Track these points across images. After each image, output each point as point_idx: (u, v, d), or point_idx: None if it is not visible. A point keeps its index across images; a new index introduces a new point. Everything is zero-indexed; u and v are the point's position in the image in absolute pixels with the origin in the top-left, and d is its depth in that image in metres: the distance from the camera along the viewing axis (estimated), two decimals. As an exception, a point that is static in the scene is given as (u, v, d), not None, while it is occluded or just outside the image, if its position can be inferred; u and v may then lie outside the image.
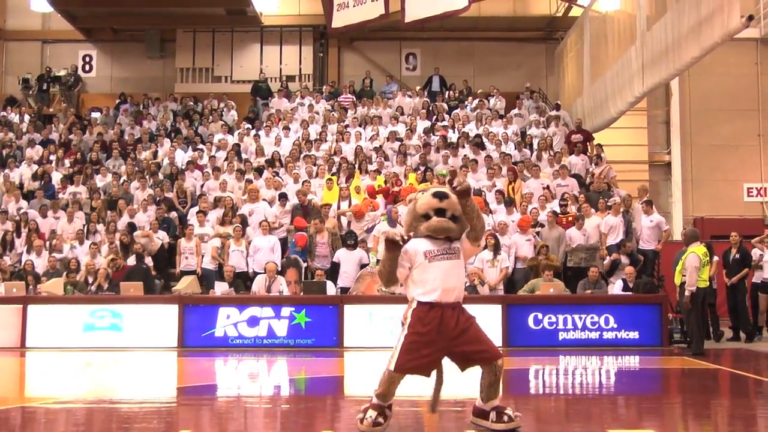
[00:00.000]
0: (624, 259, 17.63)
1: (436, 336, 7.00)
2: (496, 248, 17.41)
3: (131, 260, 18.29)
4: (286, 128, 24.80)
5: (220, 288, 17.01)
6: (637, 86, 20.57)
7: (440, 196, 7.02)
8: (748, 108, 25.88)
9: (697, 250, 14.44)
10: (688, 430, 8.23)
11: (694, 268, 14.29)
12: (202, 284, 17.68)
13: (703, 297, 14.75)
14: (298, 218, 18.96)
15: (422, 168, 21.26)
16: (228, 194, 20.32)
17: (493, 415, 7.14)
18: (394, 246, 6.99)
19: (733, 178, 25.70)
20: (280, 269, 17.41)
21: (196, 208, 19.80)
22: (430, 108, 26.33)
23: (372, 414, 7.08)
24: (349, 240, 17.97)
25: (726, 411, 9.33)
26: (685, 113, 26.38)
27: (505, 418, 7.11)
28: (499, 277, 17.35)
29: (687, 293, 14.47)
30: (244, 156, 23.32)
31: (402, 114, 25.77)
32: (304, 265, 18.10)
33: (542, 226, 18.67)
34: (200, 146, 24.28)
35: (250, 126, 25.56)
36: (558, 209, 19.18)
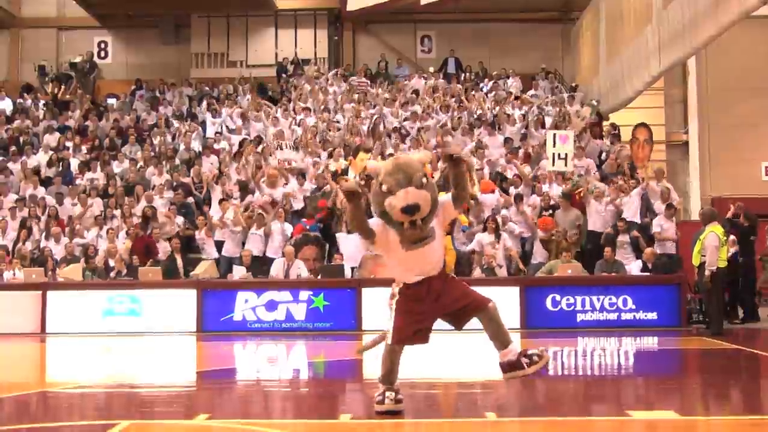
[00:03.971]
0: (622, 237, 17.47)
1: (425, 297, 7.16)
2: (497, 231, 17.42)
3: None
4: (306, 109, 24.75)
5: (239, 272, 17.06)
6: (654, 66, 20.39)
7: (410, 211, 6.76)
8: (766, 86, 25.63)
9: (716, 229, 14.39)
10: (708, 411, 8.21)
11: (714, 247, 14.26)
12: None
13: (722, 277, 14.68)
14: (322, 201, 18.93)
15: (437, 150, 21.17)
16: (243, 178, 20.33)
17: (524, 361, 7.17)
18: (353, 196, 6.96)
19: (751, 157, 25.46)
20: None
21: (217, 195, 19.77)
22: (446, 90, 26.23)
23: (390, 393, 7.23)
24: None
25: (746, 391, 9.31)
26: (702, 92, 26.13)
27: (536, 358, 7.16)
28: (503, 256, 17.30)
29: (707, 273, 14.41)
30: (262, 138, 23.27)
31: (417, 96, 25.69)
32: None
33: (556, 208, 18.52)
34: (216, 131, 24.25)
35: (270, 108, 25.47)
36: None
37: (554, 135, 19.33)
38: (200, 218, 18.93)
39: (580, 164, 20.33)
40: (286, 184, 19.83)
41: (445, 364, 11.69)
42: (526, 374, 7.19)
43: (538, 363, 7.16)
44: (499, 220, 17.84)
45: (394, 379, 7.34)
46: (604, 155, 21.61)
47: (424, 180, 6.80)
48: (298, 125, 23.56)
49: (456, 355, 12.73)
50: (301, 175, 20.02)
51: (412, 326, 7.25)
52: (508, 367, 7.25)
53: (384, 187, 6.83)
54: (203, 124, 25.03)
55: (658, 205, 17.97)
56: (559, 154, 19.08)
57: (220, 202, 19.17)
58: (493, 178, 19.99)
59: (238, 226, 18.41)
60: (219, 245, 18.62)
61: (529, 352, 7.22)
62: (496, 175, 20.30)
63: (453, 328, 7.48)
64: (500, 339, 7.28)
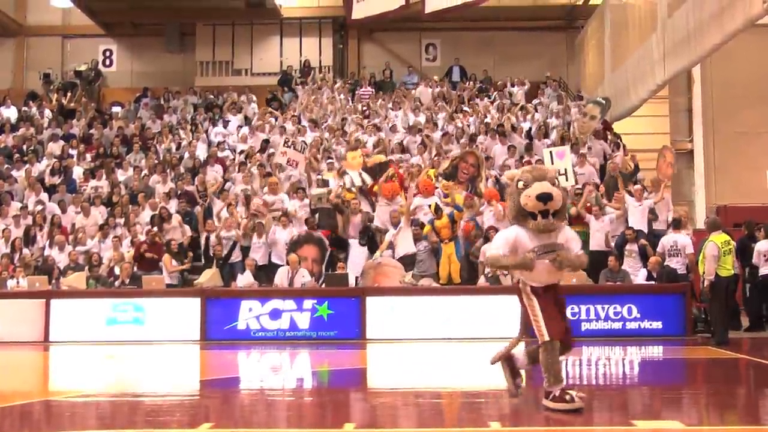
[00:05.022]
0: (630, 245, 17.33)
1: (553, 300, 7.84)
2: None
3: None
4: (312, 121, 24.70)
5: (243, 281, 17.03)
6: (659, 74, 20.38)
7: (545, 199, 7.55)
8: (770, 95, 25.61)
9: (717, 238, 14.28)
10: (714, 421, 8.16)
11: (712, 257, 14.15)
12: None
13: (726, 286, 14.58)
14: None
15: (438, 158, 21.11)
16: (247, 187, 20.28)
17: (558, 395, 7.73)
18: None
19: (757, 166, 25.37)
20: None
21: (219, 203, 19.74)
22: (448, 98, 26.20)
23: (572, 391, 7.68)
24: (362, 240, 17.96)
25: (751, 401, 9.28)
26: (707, 100, 26.08)
27: (567, 397, 7.64)
28: None
29: (705, 282, 14.37)
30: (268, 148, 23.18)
31: (422, 104, 25.66)
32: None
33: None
34: (221, 140, 24.23)
35: (273, 120, 25.38)
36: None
37: (550, 152, 19.26)
38: (209, 222, 18.95)
39: (581, 171, 20.23)
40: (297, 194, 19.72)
41: (450, 374, 11.74)
42: (548, 407, 7.69)
43: (567, 404, 7.61)
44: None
45: (563, 377, 7.76)
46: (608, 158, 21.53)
47: (557, 182, 7.73)
48: (302, 134, 23.50)
49: (460, 364, 12.76)
50: (301, 189, 19.92)
51: (561, 321, 7.81)
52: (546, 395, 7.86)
53: (521, 184, 7.70)
54: (208, 132, 25.00)
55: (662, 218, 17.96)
56: (558, 171, 19.02)
57: (227, 206, 19.14)
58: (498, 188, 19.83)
59: (231, 231, 18.38)
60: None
61: (569, 390, 7.73)
62: (500, 185, 20.20)
63: None
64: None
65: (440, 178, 19.77)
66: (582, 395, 7.69)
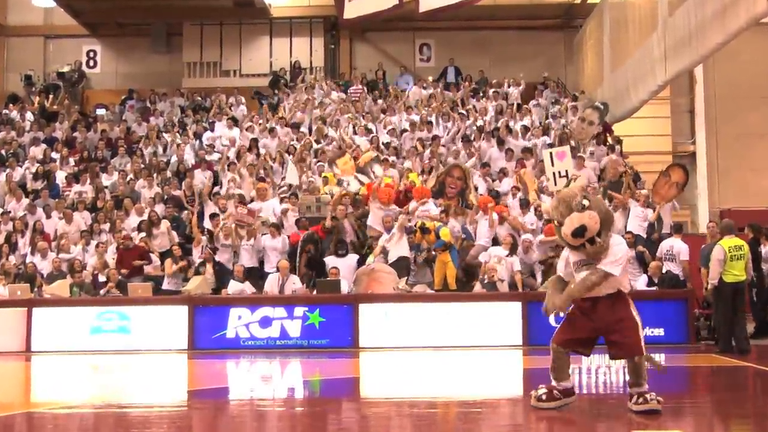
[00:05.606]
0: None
1: (588, 313, 8.03)
2: (513, 249, 16.92)
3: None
4: (295, 126, 24.33)
5: (234, 287, 16.71)
6: (660, 74, 20.28)
7: (580, 233, 7.70)
8: (775, 95, 25.47)
9: (726, 243, 14.06)
10: (717, 430, 8.21)
11: (717, 261, 13.97)
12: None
13: (732, 292, 14.22)
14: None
15: (433, 162, 20.77)
16: (238, 191, 19.89)
17: (635, 398, 7.96)
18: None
19: (761, 168, 25.30)
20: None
21: (210, 209, 19.36)
22: (441, 99, 25.87)
23: (548, 384, 8.13)
24: (341, 250, 17.54)
25: (754, 409, 9.22)
26: (710, 101, 26.03)
27: (641, 400, 7.88)
28: (508, 273, 16.81)
29: (709, 287, 14.25)
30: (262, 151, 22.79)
31: (416, 106, 25.37)
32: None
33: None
34: (209, 143, 23.81)
35: (265, 120, 25.00)
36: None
37: (551, 154, 18.85)
38: (197, 233, 18.59)
39: (578, 174, 19.86)
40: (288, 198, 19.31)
41: (446, 383, 11.68)
42: (631, 409, 7.97)
43: (639, 405, 7.88)
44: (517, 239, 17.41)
45: (558, 377, 8.14)
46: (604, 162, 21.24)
47: (585, 202, 7.78)
48: (296, 139, 23.13)
49: (456, 373, 12.72)
50: (294, 195, 19.54)
51: (569, 332, 8.13)
52: (629, 397, 8.15)
53: (555, 222, 8.08)
54: (196, 135, 24.57)
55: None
56: (559, 173, 18.62)
57: (212, 216, 18.69)
58: (494, 194, 19.43)
59: (228, 239, 17.93)
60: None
61: (647, 395, 7.92)
62: (496, 193, 19.81)
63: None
64: (634, 379, 8.03)
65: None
66: (554, 393, 8.05)
